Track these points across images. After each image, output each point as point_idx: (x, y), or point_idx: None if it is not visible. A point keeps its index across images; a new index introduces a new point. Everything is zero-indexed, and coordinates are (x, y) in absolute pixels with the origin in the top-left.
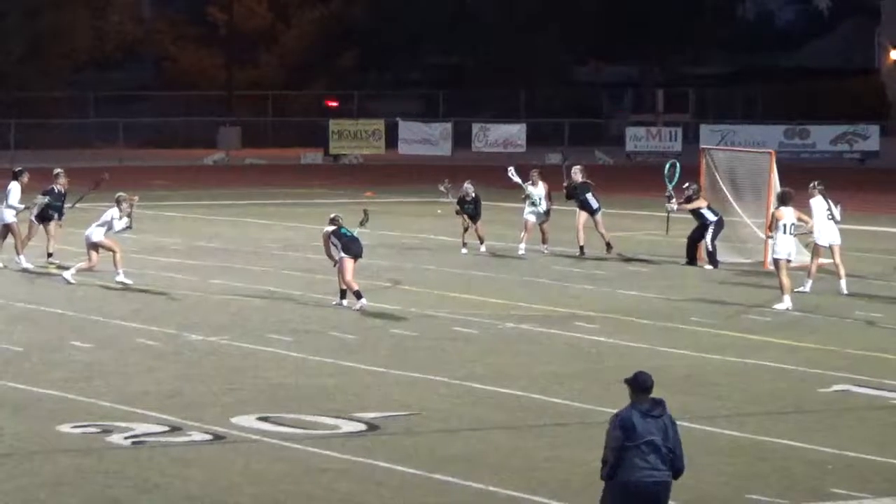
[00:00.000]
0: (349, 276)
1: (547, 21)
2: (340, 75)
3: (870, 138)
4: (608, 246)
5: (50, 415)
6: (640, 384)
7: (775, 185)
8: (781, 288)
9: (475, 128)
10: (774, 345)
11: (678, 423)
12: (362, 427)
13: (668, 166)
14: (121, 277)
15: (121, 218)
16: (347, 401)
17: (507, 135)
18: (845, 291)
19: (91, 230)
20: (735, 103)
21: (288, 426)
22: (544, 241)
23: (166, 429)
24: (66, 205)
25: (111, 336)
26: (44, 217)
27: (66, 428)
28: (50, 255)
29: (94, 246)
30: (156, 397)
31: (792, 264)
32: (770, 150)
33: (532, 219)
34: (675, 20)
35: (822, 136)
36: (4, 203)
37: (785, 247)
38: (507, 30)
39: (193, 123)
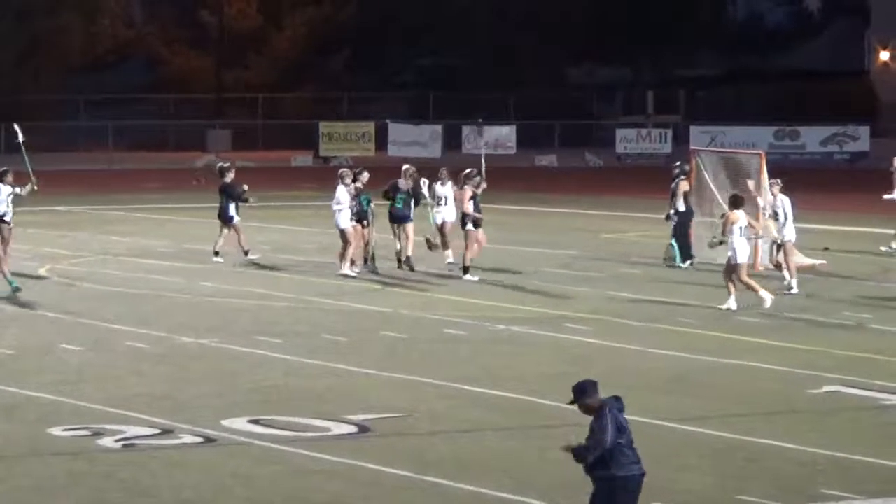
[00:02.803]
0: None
1: (538, 22)
2: (331, 77)
3: (860, 139)
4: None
5: (40, 418)
6: (594, 385)
7: (765, 187)
8: (752, 289)
9: (465, 130)
10: (764, 346)
11: (668, 424)
12: (353, 429)
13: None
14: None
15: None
16: (338, 403)
17: (497, 136)
18: (794, 290)
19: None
20: (725, 105)
21: (279, 429)
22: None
23: (157, 432)
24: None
25: (101, 339)
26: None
27: (56, 431)
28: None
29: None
30: (146, 400)
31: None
32: (760, 152)
33: (447, 220)
34: (665, 22)
35: (812, 138)
36: None
37: (744, 251)
38: (499, 31)
39: (184, 126)
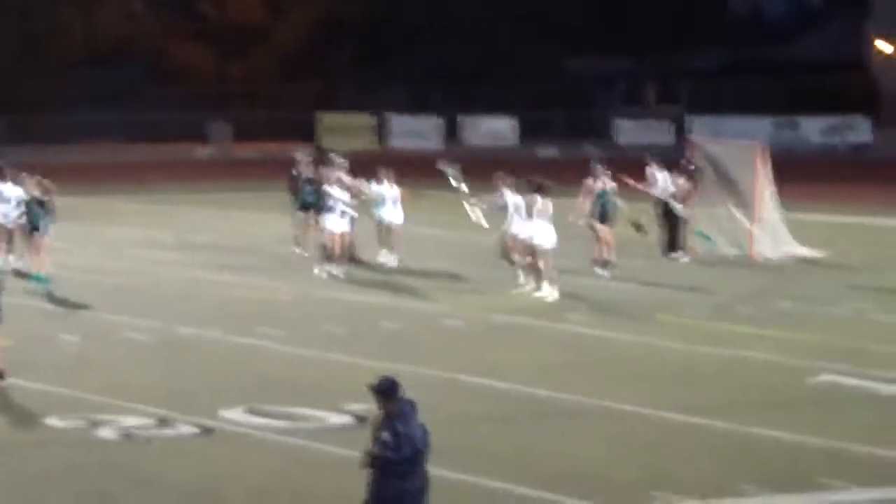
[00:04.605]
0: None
1: (539, 13)
2: (332, 70)
3: (861, 131)
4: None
5: (39, 408)
6: (399, 387)
7: (764, 177)
8: (542, 275)
9: (465, 121)
10: (763, 336)
11: (668, 414)
12: (351, 419)
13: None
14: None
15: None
16: (336, 393)
17: (494, 129)
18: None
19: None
20: (726, 96)
21: (277, 419)
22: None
23: (155, 422)
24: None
25: (100, 329)
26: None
27: (55, 421)
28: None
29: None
30: (145, 390)
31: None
32: (760, 143)
33: (391, 221)
34: (667, 13)
35: (813, 129)
36: None
37: (547, 235)
38: (500, 22)
39: (185, 118)
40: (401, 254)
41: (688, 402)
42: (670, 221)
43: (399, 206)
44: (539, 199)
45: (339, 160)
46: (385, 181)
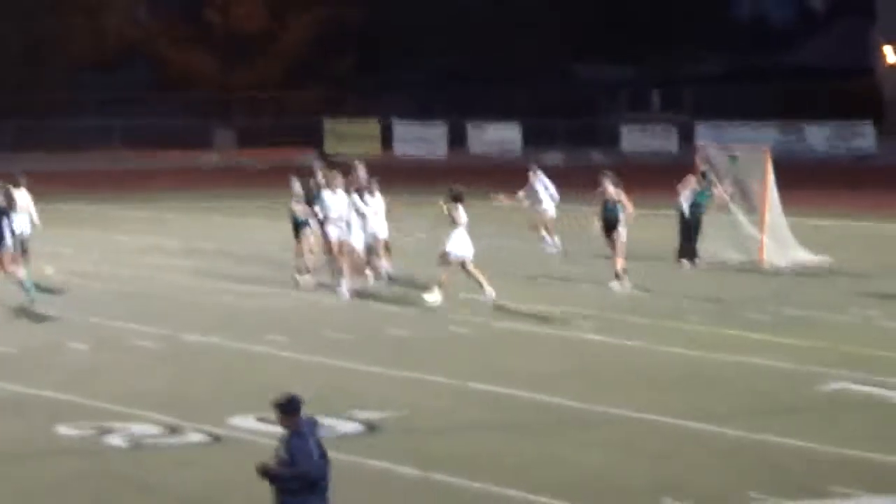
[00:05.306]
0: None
1: (543, 20)
2: (337, 76)
3: (865, 137)
4: None
5: (48, 416)
6: (300, 403)
7: (770, 183)
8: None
9: (470, 128)
10: (772, 343)
11: (678, 421)
12: (360, 427)
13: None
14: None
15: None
16: (344, 401)
17: (500, 136)
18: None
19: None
20: (731, 102)
21: None
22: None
23: (164, 430)
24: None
25: (108, 337)
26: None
27: (64, 429)
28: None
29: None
30: (153, 398)
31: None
32: (765, 149)
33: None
34: (672, 19)
35: (818, 135)
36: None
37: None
38: (503, 28)
39: (189, 125)
40: (391, 264)
41: (697, 409)
42: (686, 229)
43: (383, 217)
44: (459, 208)
45: (360, 168)
46: (367, 193)
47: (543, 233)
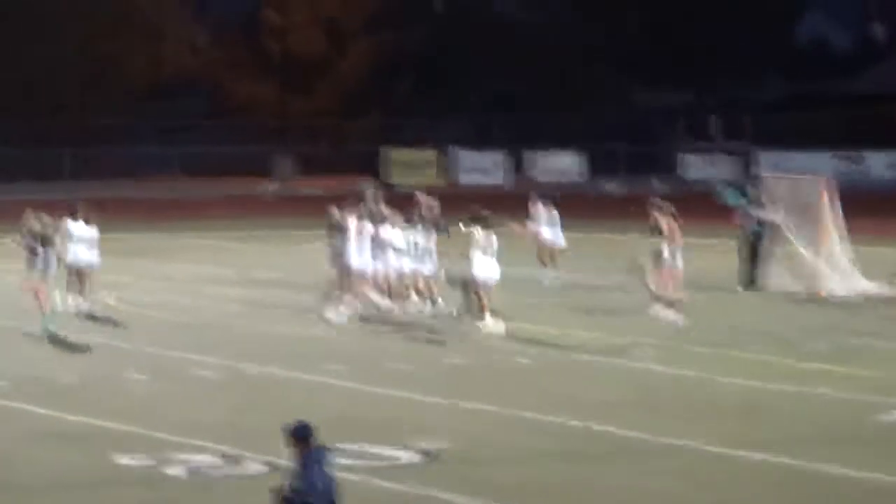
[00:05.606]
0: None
1: (603, 47)
2: (396, 103)
3: None
4: None
5: (107, 446)
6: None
7: (831, 212)
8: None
9: (529, 156)
10: (831, 372)
11: (736, 452)
12: (420, 457)
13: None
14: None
15: None
16: (404, 430)
17: (560, 164)
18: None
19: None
20: (791, 130)
21: (346, 457)
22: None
23: (224, 460)
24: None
25: (167, 367)
26: None
27: (123, 459)
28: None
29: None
30: (212, 428)
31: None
32: (826, 177)
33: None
34: (733, 46)
35: (879, 163)
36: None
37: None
38: (563, 55)
39: (248, 153)
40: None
41: (754, 439)
42: (752, 256)
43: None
44: (480, 232)
45: (425, 197)
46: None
47: (540, 262)
